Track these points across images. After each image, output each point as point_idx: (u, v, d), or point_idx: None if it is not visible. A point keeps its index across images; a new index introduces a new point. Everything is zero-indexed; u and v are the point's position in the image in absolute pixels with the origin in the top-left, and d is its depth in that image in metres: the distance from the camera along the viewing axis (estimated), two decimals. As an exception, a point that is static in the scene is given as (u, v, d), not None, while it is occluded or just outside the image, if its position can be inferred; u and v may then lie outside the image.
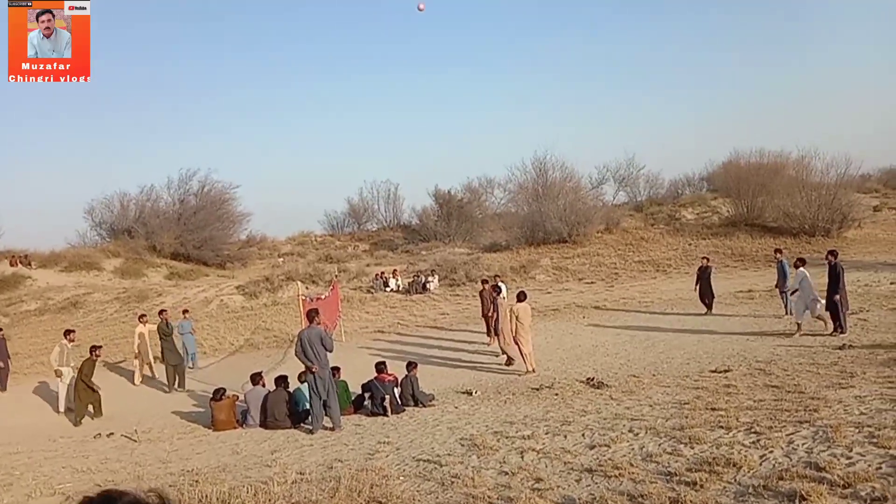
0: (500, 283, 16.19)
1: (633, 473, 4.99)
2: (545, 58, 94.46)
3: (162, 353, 14.17)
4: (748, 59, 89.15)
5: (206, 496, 5.44)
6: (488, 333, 14.91)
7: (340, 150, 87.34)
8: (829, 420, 5.72)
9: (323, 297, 16.95)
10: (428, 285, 23.01)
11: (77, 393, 11.97)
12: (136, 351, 14.53)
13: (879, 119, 75.49)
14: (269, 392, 10.21)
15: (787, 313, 14.15)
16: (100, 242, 33.90)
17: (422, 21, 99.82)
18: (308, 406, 9.56)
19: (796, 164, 29.75)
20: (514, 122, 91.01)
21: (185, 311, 16.81)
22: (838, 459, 4.65)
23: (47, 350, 14.29)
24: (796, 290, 12.81)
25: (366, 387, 10.41)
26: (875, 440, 4.93)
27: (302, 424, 9.66)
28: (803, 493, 4.02)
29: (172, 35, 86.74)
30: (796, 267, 13.01)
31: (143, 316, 15.20)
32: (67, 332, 13.26)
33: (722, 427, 6.01)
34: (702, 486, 4.49)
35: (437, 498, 5.11)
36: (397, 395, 10.18)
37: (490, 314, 14.56)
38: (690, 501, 4.23)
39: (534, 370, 11.88)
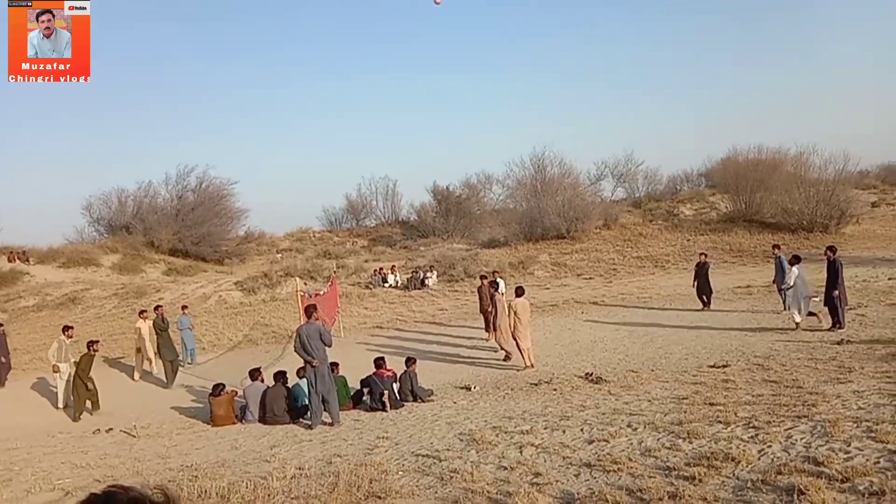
0: (498, 279, 16.20)
1: (631, 468, 5.00)
2: (545, 57, 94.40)
3: (158, 348, 14.16)
4: (746, 58, 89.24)
5: (206, 491, 5.44)
6: (487, 329, 14.92)
7: (340, 150, 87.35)
8: (827, 415, 5.73)
9: (321, 293, 16.95)
10: (426, 281, 23.00)
11: (75, 389, 11.96)
12: (137, 346, 14.51)
13: (878, 117, 75.61)
14: (268, 387, 10.21)
15: (785, 309, 14.16)
16: (98, 238, 33.89)
17: (422, 21, 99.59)
18: (307, 401, 9.57)
19: (794, 161, 29.76)
20: (513, 121, 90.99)
21: (183, 307, 16.79)
22: (836, 454, 4.66)
23: (45, 346, 14.27)
24: (791, 287, 12.82)
25: (365, 382, 10.42)
26: (873, 434, 4.94)
27: (301, 420, 9.68)
28: (802, 487, 4.02)
29: (172, 35, 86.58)
30: (791, 264, 13.00)
31: (143, 311, 15.17)
32: (66, 328, 13.26)
33: (720, 422, 6.03)
34: (700, 481, 4.50)
35: (435, 493, 5.11)
36: (396, 391, 10.19)
37: (489, 310, 14.57)
38: (689, 496, 4.24)
39: (532, 365, 11.90)
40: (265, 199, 75.36)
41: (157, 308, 15.02)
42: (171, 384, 13.73)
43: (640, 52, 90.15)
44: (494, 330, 13.55)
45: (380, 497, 5.06)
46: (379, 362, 10.57)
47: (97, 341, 13.10)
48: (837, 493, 4.00)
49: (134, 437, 9.56)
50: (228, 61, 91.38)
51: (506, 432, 6.83)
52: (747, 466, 4.68)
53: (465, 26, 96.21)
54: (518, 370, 11.90)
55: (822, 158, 28.11)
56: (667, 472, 4.86)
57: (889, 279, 17.21)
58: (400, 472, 5.75)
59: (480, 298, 15.45)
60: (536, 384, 10.23)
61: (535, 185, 31.97)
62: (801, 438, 5.16)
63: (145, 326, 14.34)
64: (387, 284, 23.26)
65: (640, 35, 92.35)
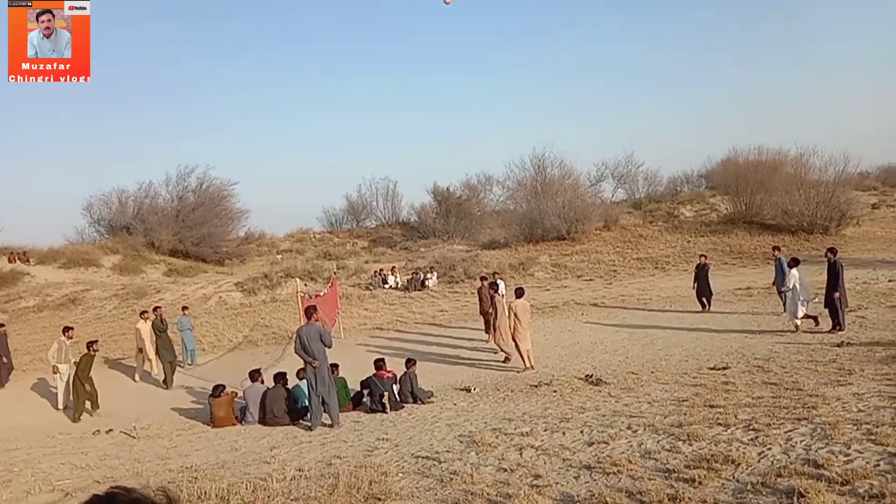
0: (498, 281, 16.19)
1: (631, 470, 5.00)
2: (545, 58, 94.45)
3: (157, 349, 14.16)
4: (747, 58, 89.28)
5: (205, 492, 5.44)
6: (487, 330, 14.91)
7: (340, 150, 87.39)
8: (827, 417, 5.73)
9: (322, 294, 16.95)
10: (427, 282, 23.01)
11: (75, 389, 11.96)
12: (139, 347, 14.50)
13: (878, 118, 75.62)
14: (268, 389, 10.21)
15: (785, 311, 14.15)
16: (98, 239, 33.89)
17: (422, 21, 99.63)
18: (307, 403, 9.56)
19: (795, 162, 29.78)
20: (513, 121, 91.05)
21: (184, 308, 16.80)
22: (836, 456, 4.66)
23: (46, 347, 14.28)
24: (790, 290, 12.80)
25: (365, 383, 10.42)
26: (873, 437, 4.94)
27: (301, 421, 9.67)
28: (801, 489, 4.02)
29: (172, 35, 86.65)
30: (790, 267, 12.99)
31: (143, 312, 15.18)
32: (66, 329, 13.25)
33: (720, 424, 6.03)
34: (700, 483, 4.50)
35: (435, 494, 5.11)
36: (396, 392, 10.19)
37: (489, 311, 14.56)
38: (689, 498, 4.24)
39: (533, 367, 11.90)
40: (265, 199, 75.45)
41: (155, 309, 15.01)
42: (170, 385, 13.73)
43: (639, 52, 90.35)
44: (494, 331, 13.55)
45: (379, 499, 5.06)
46: (379, 364, 10.57)
47: (96, 341, 13.09)
48: (837, 495, 4.00)
49: (134, 438, 9.56)
50: (228, 61, 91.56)
51: (506, 434, 6.83)
52: (747, 469, 4.68)
53: (465, 26, 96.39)
54: (518, 372, 11.90)
55: (823, 160, 28.20)
56: (666, 474, 4.85)
57: (889, 281, 17.21)
58: (400, 474, 5.75)
59: (480, 300, 15.44)
60: (536, 386, 10.23)
61: (535, 186, 31.99)
62: (801, 441, 5.16)
63: (145, 327, 14.34)
64: (387, 286, 23.26)
65: (640, 35, 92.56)
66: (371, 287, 23.40)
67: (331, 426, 9.05)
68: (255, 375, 10.68)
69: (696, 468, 4.80)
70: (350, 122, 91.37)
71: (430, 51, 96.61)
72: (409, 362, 10.83)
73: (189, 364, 15.53)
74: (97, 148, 77.71)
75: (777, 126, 76.18)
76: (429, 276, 23.33)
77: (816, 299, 12.97)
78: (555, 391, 9.61)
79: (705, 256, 17.71)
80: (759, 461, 4.82)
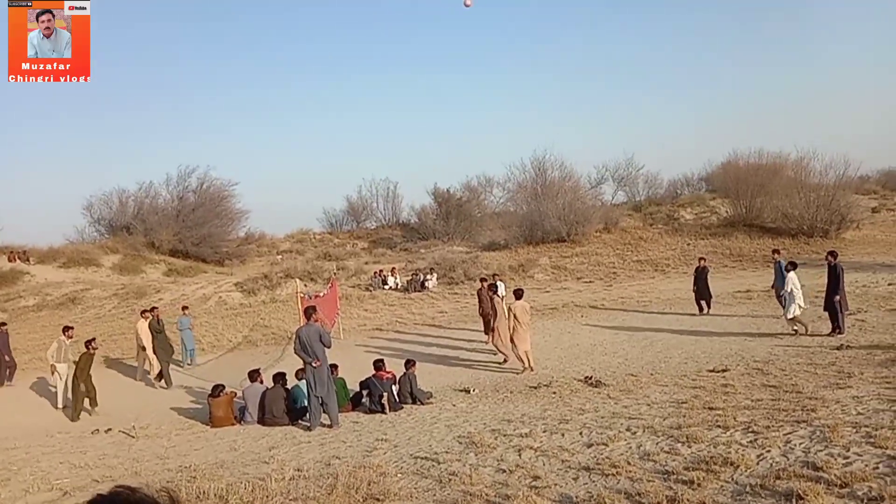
0: (497, 282, 16.20)
1: (630, 472, 5.00)
2: (545, 58, 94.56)
3: (153, 349, 14.12)
4: (747, 60, 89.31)
5: (204, 492, 5.44)
6: (486, 332, 14.91)
7: (340, 150, 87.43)
8: (826, 420, 5.73)
9: (321, 294, 16.96)
10: (426, 283, 23.01)
11: (74, 389, 11.96)
12: (142, 346, 14.45)
13: (879, 121, 75.62)
14: (268, 389, 10.21)
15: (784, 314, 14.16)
16: (98, 239, 33.91)
17: (422, 21, 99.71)
18: (306, 403, 9.56)
19: (795, 165, 29.79)
20: (513, 122, 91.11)
21: (184, 308, 16.80)
22: (835, 459, 4.66)
23: (45, 346, 14.27)
24: (788, 293, 12.78)
25: (364, 384, 10.42)
26: (872, 440, 4.94)
27: (300, 421, 9.66)
28: (800, 492, 4.02)
29: (172, 35, 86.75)
30: (787, 271, 12.99)
31: (144, 311, 15.16)
32: (66, 329, 13.24)
33: (719, 426, 6.02)
34: (699, 485, 4.50)
35: (434, 495, 5.11)
36: (395, 393, 10.19)
37: (489, 312, 14.56)
38: (688, 500, 4.24)
39: (532, 369, 11.89)
40: (265, 199, 75.47)
41: (152, 310, 14.95)
42: (170, 384, 13.72)
43: (639, 52, 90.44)
44: (493, 333, 13.54)
45: (378, 499, 5.05)
46: (378, 364, 10.56)
47: (94, 339, 13.06)
48: (836, 498, 4.00)
49: (133, 437, 9.55)
50: (228, 61, 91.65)
51: (505, 435, 6.83)
52: (746, 471, 4.68)
53: (465, 26, 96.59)
54: (517, 373, 11.89)
55: (823, 163, 28.17)
56: (665, 476, 4.85)
57: (889, 284, 17.21)
58: (398, 475, 5.75)
59: (480, 301, 15.44)
60: (536, 387, 10.23)
61: (535, 188, 32.03)
62: (801, 443, 5.16)
63: (143, 326, 14.31)
64: (387, 286, 23.26)
65: (640, 36, 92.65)
66: (371, 288, 23.40)
67: (330, 426, 9.04)
68: (254, 375, 10.68)
69: (695, 470, 4.80)
70: (350, 122, 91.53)
71: (430, 51, 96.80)
72: (409, 363, 10.83)
73: (188, 364, 15.53)
74: (97, 148, 77.88)
75: (777, 128, 76.24)
76: (428, 277, 23.33)
77: (807, 308, 12.92)
78: (554, 393, 9.60)
79: (704, 259, 17.72)
80: (758, 463, 4.82)
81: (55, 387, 12.77)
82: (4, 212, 71.47)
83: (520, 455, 5.95)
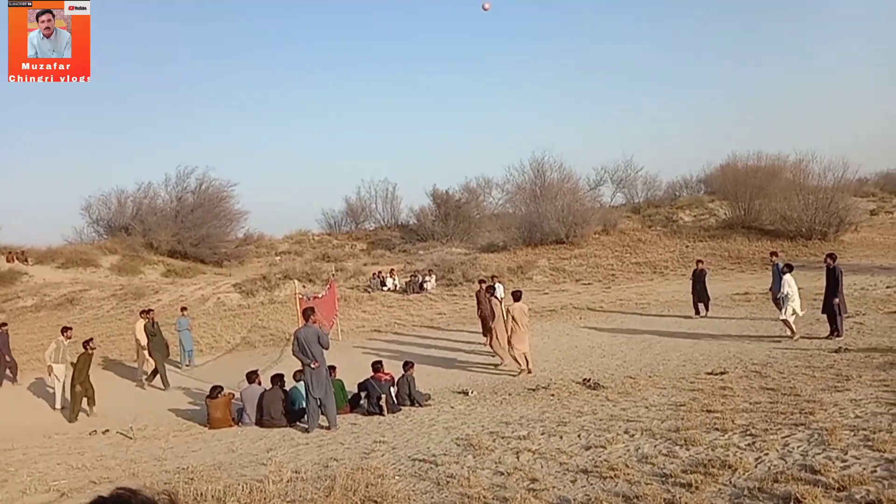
0: (496, 284, 16.18)
1: (628, 475, 5.00)
2: (544, 59, 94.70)
3: (149, 351, 14.08)
4: (747, 62, 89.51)
5: (202, 494, 5.43)
6: (484, 333, 14.90)
7: (339, 151, 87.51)
8: (824, 423, 5.73)
9: (320, 295, 16.95)
10: (425, 285, 23.01)
11: (72, 389, 11.93)
12: (143, 346, 14.41)
13: (878, 123, 75.79)
14: (266, 390, 10.20)
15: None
16: (97, 239, 33.89)
17: (422, 21, 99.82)
18: (304, 405, 9.55)
19: (794, 168, 29.88)
20: (512, 122, 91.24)
21: (182, 309, 16.77)
22: (833, 462, 4.66)
23: (43, 347, 14.25)
24: (785, 295, 12.79)
25: (362, 386, 10.41)
26: (870, 443, 4.94)
27: (298, 423, 9.65)
28: (798, 495, 4.02)
29: (172, 35, 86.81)
30: (783, 273, 13.00)
31: (143, 311, 15.13)
32: (65, 329, 13.21)
33: (717, 429, 6.02)
34: (697, 488, 4.50)
35: (432, 498, 5.11)
36: (393, 395, 10.17)
37: (487, 314, 14.54)
38: (686, 503, 4.24)
39: (531, 371, 11.88)
40: (264, 199, 75.53)
41: (147, 311, 14.89)
42: (167, 386, 13.70)
43: (639, 54, 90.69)
44: (491, 334, 13.52)
45: (376, 501, 5.05)
46: (377, 366, 10.55)
47: (92, 339, 13.03)
48: (834, 501, 4.00)
49: (130, 438, 9.54)
50: (228, 61, 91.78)
51: (503, 437, 6.82)
52: (744, 474, 4.68)
53: (465, 26, 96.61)
54: (514, 375, 11.89)
55: (821, 166, 28.24)
56: (663, 478, 4.85)
57: (887, 287, 17.23)
58: (396, 477, 5.74)
59: (479, 303, 15.42)
60: (534, 389, 10.22)
61: (534, 189, 32.07)
62: (798, 446, 5.16)
63: (139, 326, 14.26)
64: (385, 288, 23.26)
65: (640, 37, 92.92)
66: (369, 289, 23.40)
67: (328, 428, 9.04)
68: (252, 377, 10.66)
69: (693, 473, 4.80)
70: (350, 123, 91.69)
71: (430, 51, 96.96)
72: (407, 365, 10.82)
73: (187, 365, 15.51)
74: (97, 148, 77.96)
75: (776, 130, 76.49)
76: (427, 278, 23.33)
77: (803, 313, 12.91)
78: (552, 395, 9.60)
79: (702, 261, 17.73)
80: (756, 466, 4.82)
81: (52, 388, 12.75)
82: (3, 212, 71.55)
83: (518, 457, 5.95)
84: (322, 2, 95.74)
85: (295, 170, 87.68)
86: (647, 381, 9.79)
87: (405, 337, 17.12)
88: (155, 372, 13.94)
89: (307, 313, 9.63)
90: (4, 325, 15.54)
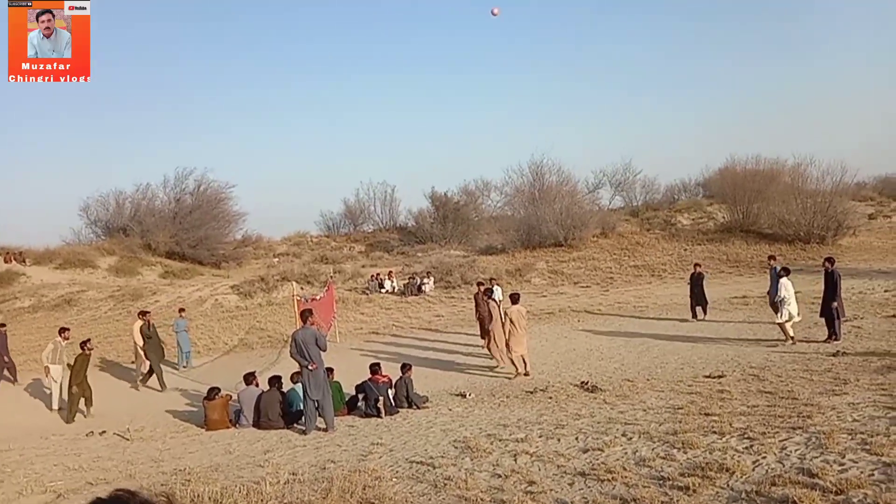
0: (494, 287, 16.18)
1: (626, 477, 5.00)
2: (544, 60, 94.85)
3: (144, 353, 14.04)
4: (746, 66, 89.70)
5: (199, 495, 5.42)
6: (482, 336, 14.89)
7: (339, 151, 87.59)
8: (822, 426, 5.73)
9: (318, 297, 16.92)
10: (423, 287, 23.00)
11: (69, 390, 11.90)
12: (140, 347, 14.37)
13: (877, 127, 75.96)
14: (263, 392, 10.18)
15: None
16: (95, 240, 33.86)
17: (422, 21, 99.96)
18: (301, 407, 9.53)
19: (792, 172, 29.88)
20: (512, 124, 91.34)
21: (180, 310, 16.75)
22: (831, 466, 4.66)
23: (40, 347, 14.22)
24: (782, 298, 12.79)
25: (360, 388, 10.40)
26: (868, 447, 4.94)
27: (295, 425, 9.64)
28: (796, 499, 4.02)
29: (172, 35, 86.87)
30: (779, 276, 13.01)
31: (141, 313, 15.08)
32: (62, 330, 13.17)
33: (715, 432, 6.02)
34: (695, 491, 4.49)
35: (429, 500, 5.10)
36: (391, 397, 10.16)
37: (486, 317, 14.53)
38: (683, 506, 4.24)
39: (528, 373, 11.88)
40: (263, 199, 75.61)
41: (145, 313, 14.84)
42: (164, 388, 13.66)
43: (639, 56, 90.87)
44: (489, 337, 13.52)
45: (373, 503, 5.04)
46: (374, 368, 10.54)
47: (89, 340, 13.00)
48: (831, 505, 4.00)
49: (127, 439, 9.52)
50: (228, 61, 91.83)
51: (500, 440, 6.82)
52: (742, 477, 4.68)
53: (466, 27, 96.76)
54: (510, 378, 11.88)
55: (820, 170, 28.23)
56: (661, 481, 4.85)
57: (885, 291, 17.24)
58: (394, 479, 5.73)
59: (477, 305, 15.43)
60: (532, 392, 10.22)
61: (532, 192, 32.06)
62: (796, 450, 5.16)
63: (136, 327, 14.22)
64: (383, 290, 23.25)
65: (640, 40, 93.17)
66: (367, 291, 23.39)
67: (325, 430, 9.02)
68: (249, 378, 10.64)
69: (691, 476, 4.80)
70: (350, 123, 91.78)
71: (430, 51, 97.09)
72: (405, 367, 10.81)
73: (184, 366, 15.48)
74: (96, 148, 77.95)
75: (775, 133, 76.63)
76: (425, 281, 23.33)
77: (800, 318, 12.92)
78: (550, 397, 9.60)
79: (700, 265, 17.72)
80: (753, 470, 4.82)
81: (49, 389, 12.72)
82: (2, 212, 71.35)
83: (515, 460, 5.94)
84: (322, 2, 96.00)
85: (294, 171, 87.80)
86: (645, 385, 9.79)
87: (403, 339, 17.11)
88: (150, 373, 13.91)
89: (305, 315, 9.62)
90: (3, 325, 15.53)
